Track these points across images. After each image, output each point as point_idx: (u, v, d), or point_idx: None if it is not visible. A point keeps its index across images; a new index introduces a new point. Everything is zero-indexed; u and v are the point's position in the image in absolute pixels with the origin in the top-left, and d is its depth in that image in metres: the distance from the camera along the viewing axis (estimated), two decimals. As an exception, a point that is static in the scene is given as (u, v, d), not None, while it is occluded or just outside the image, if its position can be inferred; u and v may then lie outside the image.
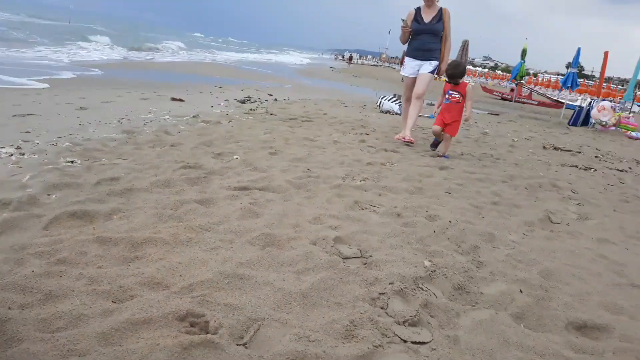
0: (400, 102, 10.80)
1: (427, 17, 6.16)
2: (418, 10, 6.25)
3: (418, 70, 6.28)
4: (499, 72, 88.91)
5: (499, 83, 60.00)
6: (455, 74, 5.62)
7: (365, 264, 2.40)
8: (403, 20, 6.12)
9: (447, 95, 5.60)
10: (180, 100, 8.46)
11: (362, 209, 3.24)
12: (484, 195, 4.03)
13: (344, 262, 2.36)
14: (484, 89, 34.35)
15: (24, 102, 6.75)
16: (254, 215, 2.93)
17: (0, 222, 2.48)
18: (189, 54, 32.56)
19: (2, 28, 25.36)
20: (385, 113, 10.43)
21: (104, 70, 13.70)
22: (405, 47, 6.61)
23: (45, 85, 9.24)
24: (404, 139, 6.07)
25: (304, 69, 32.38)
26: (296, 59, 59.55)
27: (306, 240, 2.57)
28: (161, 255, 2.30)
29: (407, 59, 6.48)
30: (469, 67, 64.93)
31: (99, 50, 23.09)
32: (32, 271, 2.01)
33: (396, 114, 10.42)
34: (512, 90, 30.95)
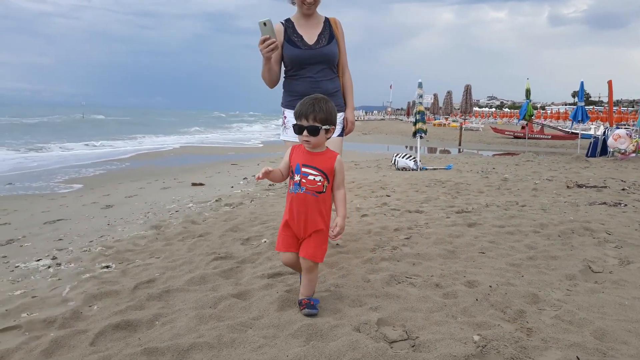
0: (415, 158, 10.91)
1: (309, 35, 3.57)
2: (290, 25, 3.59)
3: None
4: (506, 110, 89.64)
5: (508, 121, 60.39)
6: (326, 118, 2.62)
7: (413, 346, 2.36)
8: (265, 23, 3.06)
9: (296, 176, 2.68)
10: (201, 184, 8.66)
11: (399, 282, 3.21)
12: (518, 250, 3.98)
13: (391, 348, 2.33)
14: (495, 129, 34.60)
15: (52, 207, 6.97)
16: (292, 304, 2.92)
17: (49, 343, 2.51)
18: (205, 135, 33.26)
19: (18, 133, 26.45)
20: (402, 170, 10.51)
21: (124, 163, 14.11)
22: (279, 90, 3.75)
23: (72, 186, 9.53)
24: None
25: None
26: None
27: (349, 326, 2.54)
28: (208, 361, 2.29)
29: (287, 112, 3.67)
30: (475, 108, 65.63)
31: (116, 145, 23.88)
32: (86, 396, 2.01)
33: (412, 169, 10.49)
34: (523, 127, 31.15)
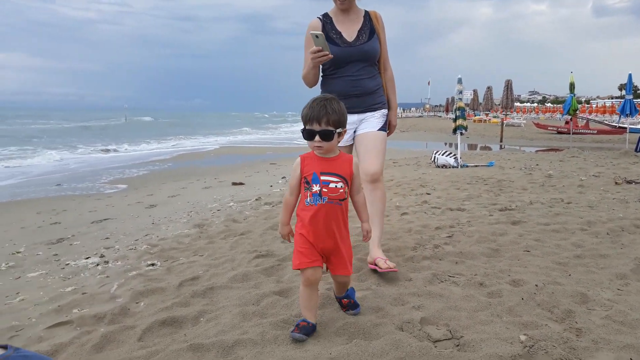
0: (455, 155, 10.75)
1: (348, 31, 3.43)
2: (328, 21, 3.47)
3: (355, 132, 3.54)
4: (548, 104, 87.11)
5: (551, 116, 58.72)
6: (339, 120, 2.41)
7: (457, 345, 2.32)
8: (317, 36, 3.01)
9: (314, 187, 2.43)
10: (241, 184, 8.78)
11: (442, 281, 3.17)
12: (565, 248, 3.86)
13: (435, 347, 2.30)
14: (537, 125, 33.71)
15: (98, 207, 7.20)
16: (333, 302, 2.92)
17: (99, 338, 2.60)
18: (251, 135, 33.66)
19: (70, 137, 27.59)
20: (442, 167, 10.37)
21: (167, 164, 14.46)
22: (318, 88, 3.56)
23: (117, 186, 9.83)
24: (387, 268, 3.23)
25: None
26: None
27: (392, 325, 2.53)
28: (253, 357, 2.32)
29: None
30: (516, 104, 64.04)
31: (159, 144, 24.51)
32: (136, 390, 2.07)
33: (452, 167, 10.33)
34: (567, 122, 30.21)
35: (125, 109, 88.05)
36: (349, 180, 2.50)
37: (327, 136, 2.38)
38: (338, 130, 2.40)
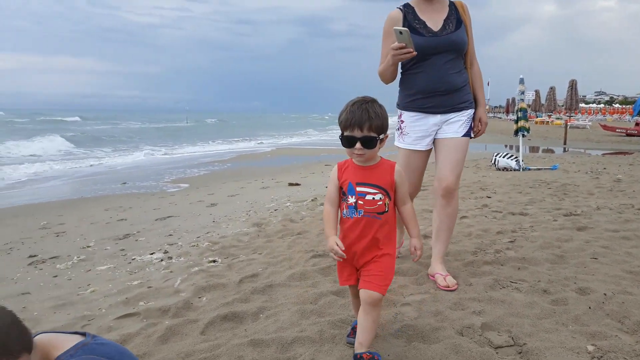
0: (517, 157, 10.42)
1: (433, 21, 3.12)
2: (410, 10, 3.17)
3: (434, 135, 3.25)
4: (616, 105, 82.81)
5: (619, 118, 55.83)
6: (382, 125, 2.18)
7: (520, 353, 2.26)
8: (400, 32, 2.78)
9: (350, 198, 2.24)
10: (297, 184, 8.88)
11: (503, 287, 3.09)
12: (636, 256, 3.66)
13: (496, 353, 2.25)
14: (604, 127, 32.13)
15: (162, 205, 7.49)
16: (391, 304, 2.92)
17: (164, 330, 2.71)
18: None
19: (136, 136, 29.04)
20: (502, 170, 10.08)
21: (226, 164, 14.85)
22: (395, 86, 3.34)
23: (179, 185, 10.19)
24: (445, 287, 3.10)
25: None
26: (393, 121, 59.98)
27: (451, 329, 2.50)
28: (311, 355, 2.35)
29: (405, 114, 3.29)
30: (581, 104, 61.24)
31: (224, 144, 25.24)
32: (200, 381, 2.15)
33: (514, 169, 10.03)
34: (637, 124, 28.61)
35: (186, 111, 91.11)
36: (389, 190, 2.24)
37: (369, 143, 2.15)
38: (381, 137, 2.17)
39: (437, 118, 3.19)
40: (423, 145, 3.27)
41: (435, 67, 3.08)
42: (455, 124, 3.19)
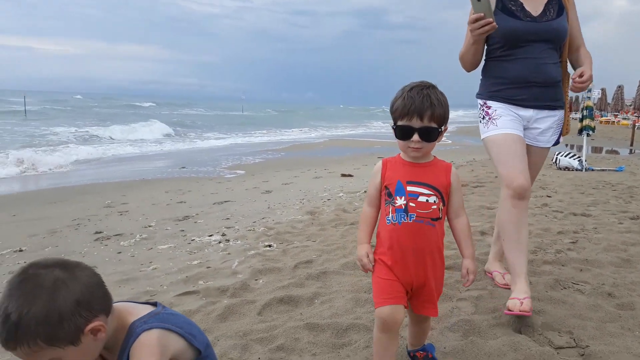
0: (580, 157, 10.00)
1: (532, 4, 2.71)
2: None
3: (523, 130, 2.78)
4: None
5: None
6: (444, 115, 1.88)
7: (582, 355, 2.20)
8: (477, 0, 2.41)
9: (398, 200, 1.89)
10: (350, 175, 8.88)
11: (565, 288, 3.00)
12: None
13: (557, 353, 2.20)
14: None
15: (219, 190, 7.69)
16: (447, 298, 2.89)
17: (223, 309, 2.81)
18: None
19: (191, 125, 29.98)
20: (564, 170, 9.71)
21: (280, 153, 15.06)
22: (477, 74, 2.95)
23: (236, 172, 10.44)
24: (503, 285, 3.03)
25: (463, 127, 31.31)
26: (451, 114, 58.28)
27: (509, 327, 2.46)
28: (366, 342, 2.37)
29: (495, 105, 2.78)
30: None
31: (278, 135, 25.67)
32: (258, 358, 2.22)
33: (576, 169, 9.64)
34: None
35: (242, 100, 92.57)
36: (444, 194, 1.91)
37: (429, 135, 1.85)
38: (441, 129, 1.89)
39: (529, 113, 2.76)
40: (520, 132, 2.74)
41: (530, 55, 2.68)
42: (547, 130, 2.81)
